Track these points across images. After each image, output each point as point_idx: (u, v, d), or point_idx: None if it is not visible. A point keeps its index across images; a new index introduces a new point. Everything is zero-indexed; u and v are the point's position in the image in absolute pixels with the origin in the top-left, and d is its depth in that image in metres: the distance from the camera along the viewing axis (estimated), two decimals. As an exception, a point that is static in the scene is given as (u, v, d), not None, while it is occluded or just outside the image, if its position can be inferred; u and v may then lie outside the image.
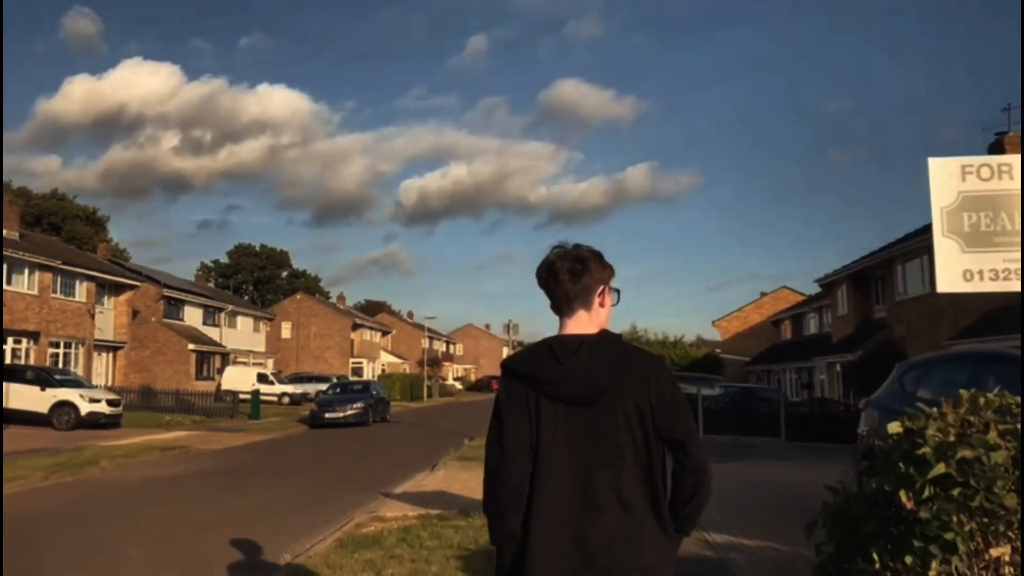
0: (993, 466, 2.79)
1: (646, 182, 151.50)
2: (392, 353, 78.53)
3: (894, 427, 3.28)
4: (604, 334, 2.20)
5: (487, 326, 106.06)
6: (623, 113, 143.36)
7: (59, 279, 33.75)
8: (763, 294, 53.40)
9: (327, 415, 27.57)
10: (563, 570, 2.03)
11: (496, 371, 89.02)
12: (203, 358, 43.97)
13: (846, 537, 3.41)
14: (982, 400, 3.30)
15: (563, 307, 2.23)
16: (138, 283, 40.61)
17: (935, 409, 3.32)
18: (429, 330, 73.28)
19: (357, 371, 63.57)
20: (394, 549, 7.30)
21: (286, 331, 65.25)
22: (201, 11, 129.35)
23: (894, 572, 2.93)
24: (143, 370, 40.03)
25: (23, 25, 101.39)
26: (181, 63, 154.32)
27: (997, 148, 21.48)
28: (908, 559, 2.85)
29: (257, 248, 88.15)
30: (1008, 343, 15.05)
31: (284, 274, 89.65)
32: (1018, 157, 6.12)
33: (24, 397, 23.02)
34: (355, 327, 67.99)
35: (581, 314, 2.21)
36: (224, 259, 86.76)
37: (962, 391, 3.32)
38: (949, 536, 2.79)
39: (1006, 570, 2.79)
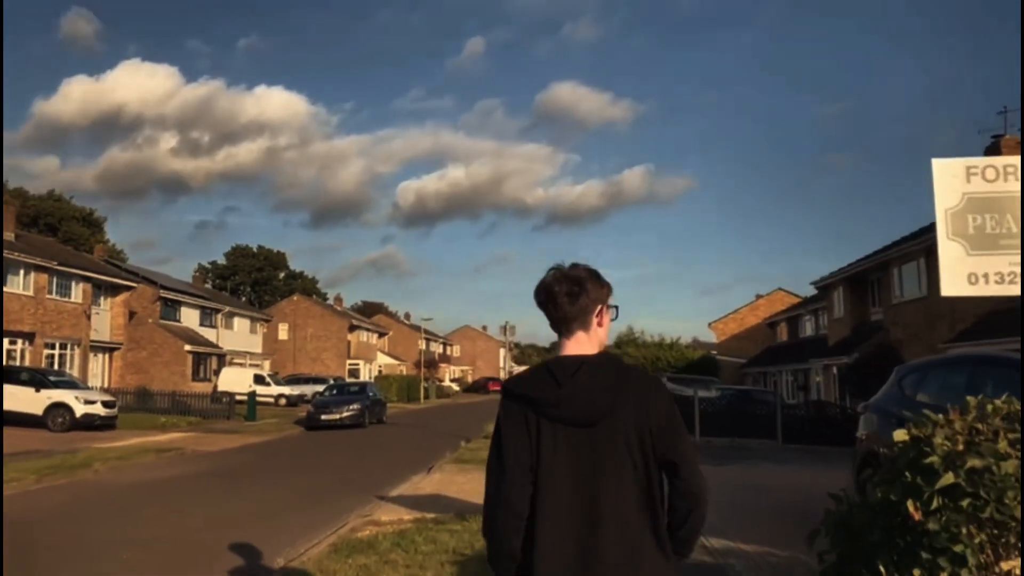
0: (1004, 476, 2.72)
1: (643, 184, 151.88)
2: (389, 354, 78.41)
3: (900, 435, 3.21)
4: (603, 355, 2.21)
5: (484, 328, 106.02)
6: (620, 116, 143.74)
7: (55, 280, 33.60)
8: (759, 296, 53.31)
9: (323, 417, 27.46)
10: None
11: (492, 372, 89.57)
12: (200, 359, 43.80)
13: (849, 546, 3.34)
14: (990, 407, 3.23)
15: (562, 328, 2.25)
16: (135, 284, 40.45)
17: (941, 416, 3.25)
18: (426, 331, 73.19)
19: (354, 372, 63.45)
20: (388, 554, 7.22)
21: (283, 332, 65.12)
22: (199, 13, 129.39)
23: (900, 584, 2.86)
24: (139, 371, 39.86)
25: (21, 25, 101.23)
26: (179, 65, 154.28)
27: (994, 151, 21.44)
28: (916, 571, 2.78)
29: (254, 249, 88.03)
30: (1006, 346, 15.01)
31: (281, 275, 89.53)
32: None
33: (18, 398, 22.83)
34: (352, 328, 67.85)
35: (580, 335, 2.23)
36: (221, 260, 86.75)
37: (969, 398, 3.25)
38: (958, 548, 2.72)
39: (1016, 583, 2.72)
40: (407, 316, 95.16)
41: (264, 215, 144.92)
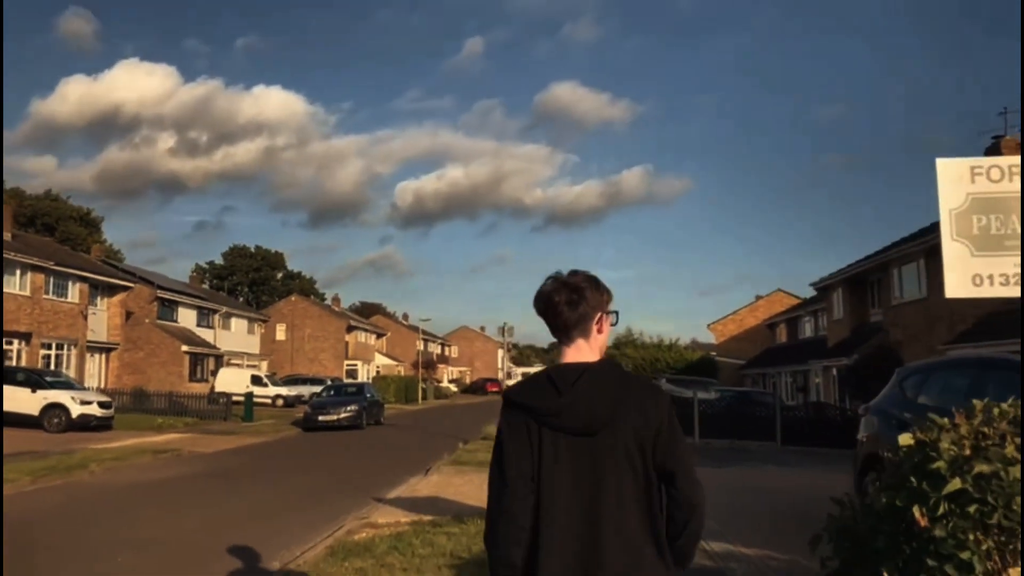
0: (1012, 482, 2.66)
1: (641, 185, 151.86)
2: (387, 355, 78.32)
3: (905, 439, 3.15)
4: (604, 362, 2.22)
5: (482, 328, 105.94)
6: (619, 116, 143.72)
7: (51, 280, 33.52)
8: (758, 297, 53.25)
9: (320, 418, 27.38)
10: None
11: (491, 373, 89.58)
12: (197, 360, 43.71)
13: (853, 552, 3.29)
14: (996, 411, 3.17)
15: (561, 336, 2.26)
16: (132, 284, 40.36)
17: (947, 420, 3.19)
18: (424, 332, 73.10)
19: (352, 373, 63.33)
20: (385, 557, 7.15)
21: (280, 333, 65.00)
22: (197, 12, 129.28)
23: (906, 592, 2.80)
24: (136, 372, 39.77)
25: (18, 25, 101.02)
26: (177, 64, 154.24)
27: (994, 152, 21.41)
28: (922, 579, 2.72)
29: (252, 249, 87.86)
30: (1006, 348, 14.97)
31: (279, 276, 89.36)
32: None
33: (14, 399, 22.72)
34: (350, 329, 67.76)
35: (580, 342, 2.23)
36: (219, 260, 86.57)
37: (976, 401, 3.18)
38: (965, 555, 2.66)
39: (1025, 591, 2.66)
40: (405, 317, 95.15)
41: (262, 215, 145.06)
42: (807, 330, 41.49)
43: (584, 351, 2.22)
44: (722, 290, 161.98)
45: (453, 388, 79.65)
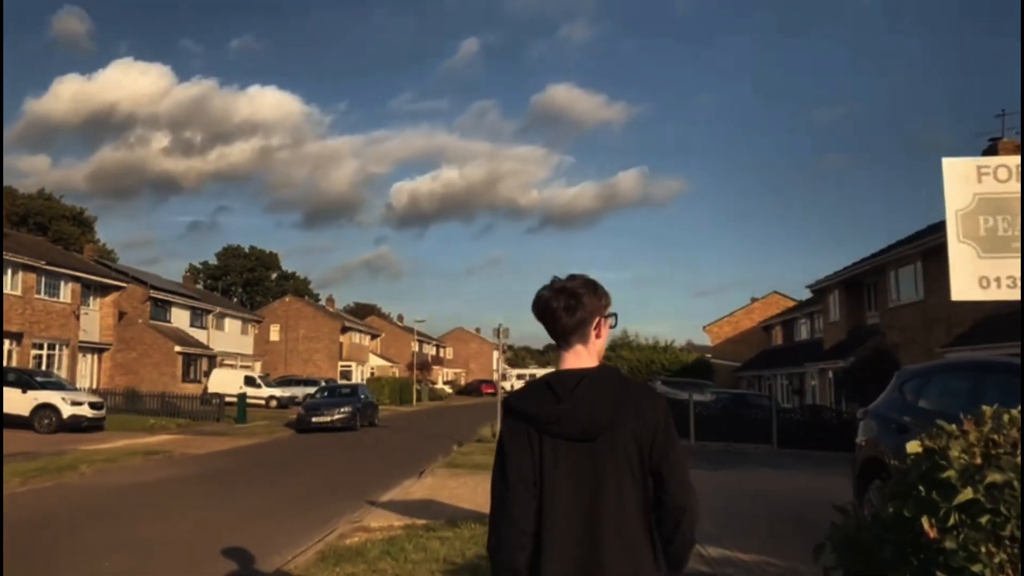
0: (1026, 492, 2.55)
1: (637, 187, 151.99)
2: (381, 356, 78.10)
3: (913, 446, 3.04)
4: (603, 368, 2.23)
5: (477, 330, 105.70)
6: (614, 117, 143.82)
7: (43, 279, 33.30)
8: (754, 299, 53.25)
9: (314, 419, 27.21)
10: None
11: (486, 375, 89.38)
12: (190, 360, 43.49)
13: (858, 562, 3.19)
14: (1006, 417, 3.07)
15: (560, 342, 2.27)
16: (124, 284, 40.12)
17: (954, 426, 3.09)
18: (419, 333, 72.95)
19: (346, 374, 63.14)
20: (377, 563, 7.04)
21: (274, 334, 64.74)
22: (192, 12, 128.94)
23: (915, 605, 2.70)
24: (129, 372, 39.55)
25: (12, 24, 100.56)
26: (172, 64, 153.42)
27: (992, 154, 21.38)
28: (931, 592, 2.61)
29: (246, 250, 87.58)
30: (1004, 351, 14.91)
31: (273, 276, 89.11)
32: None
33: (5, 399, 22.52)
34: (344, 330, 67.57)
35: (579, 348, 2.24)
36: (213, 261, 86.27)
37: (985, 407, 3.08)
38: (976, 568, 2.56)
39: (1039, 606, 2.56)
40: (400, 318, 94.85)
41: (256, 215, 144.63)
42: (803, 332, 41.46)
43: (583, 356, 2.24)
44: (718, 292, 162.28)
45: (448, 390, 79.41)
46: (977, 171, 5.53)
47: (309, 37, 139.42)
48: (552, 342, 2.31)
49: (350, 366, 65.91)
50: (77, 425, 23.14)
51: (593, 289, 2.26)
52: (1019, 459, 2.74)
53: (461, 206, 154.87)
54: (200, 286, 67.81)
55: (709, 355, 47.93)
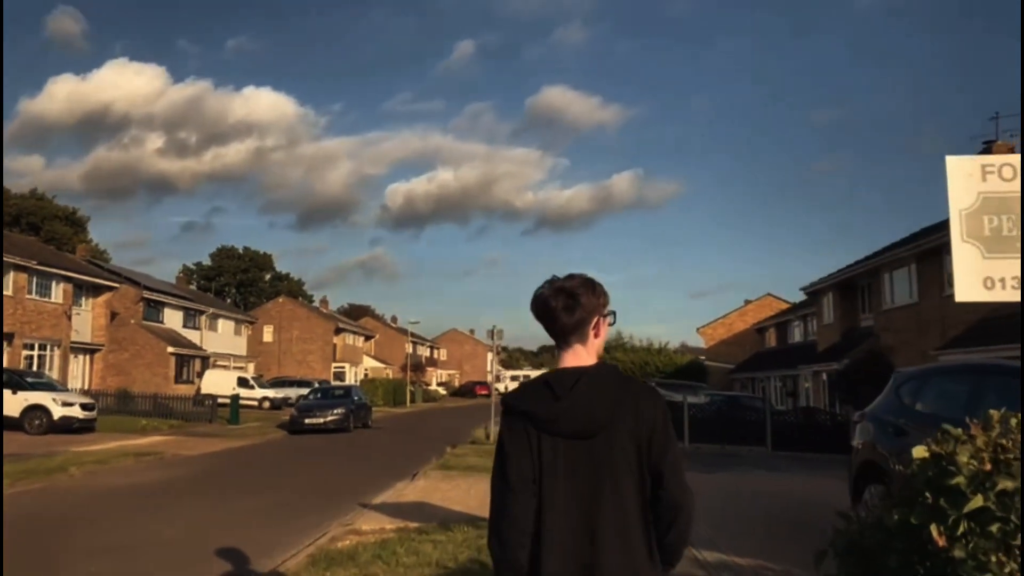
0: (1038, 499, 2.47)
1: (631, 189, 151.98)
2: (375, 358, 77.90)
3: (919, 451, 2.96)
4: (601, 366, 2.23)
5: (471, 331, 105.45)
6: (609, 120, 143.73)
7: (34, 279, 33.08)
8: (747, 301, 53.28)
9: (307, 421, 27.07)
10: None
11: (480, 376, 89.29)
12: (183, 361, 43.27)
13: (861, 570, 3.10)
14: (1014, 421, 2.99)
15: (559, 341, 2.27)
16: (117, 284, 39.88)
17: (961, 430, 3.01)
18: (413, 335, 72.78)
19: (340, 376, 62.93)
20: (368, 567, 6.94)
21: (268, 335, 64.52)
22: (187, 13, 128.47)
23: (922, 615, 2.62)
24: (121, 373, 39.30)
25: (7, 24, 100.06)
26: (167, 64, 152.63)
27: (986, 157, 21.37)
28: (940, 602, 2.53)
29: (240, 251, 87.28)
30: (998, 354, 14.86)
31: (267, 277, 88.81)
32: None
33: (-6, 400, 22.40)
34: (338, 331, 67.37)
35: (577, 347, 2.25)
36: (207, 261, 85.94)
37: (992, 412, 3.00)
38: (986, 578, 2.48)
39: (1051, 617, 2.47)
40: (394, 319, 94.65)
41: (251, 216, 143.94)
42: (796, 335, 41.48)
43: (581, 355, 2.24)
44: (712, 294, 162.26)
45: (442, 391, 79.21)
46: (981, 169, 5.43)
47: (304, 38, 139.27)
48: (548, 343, 2.28)
49: (344, 367, 65.71)
50: (68, 426, 22.93)
51: (592, 288, 2.26)
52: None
53: (456, 208, 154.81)
54: (193, 287, 67.47)
55: (703, 357, 47.92)
